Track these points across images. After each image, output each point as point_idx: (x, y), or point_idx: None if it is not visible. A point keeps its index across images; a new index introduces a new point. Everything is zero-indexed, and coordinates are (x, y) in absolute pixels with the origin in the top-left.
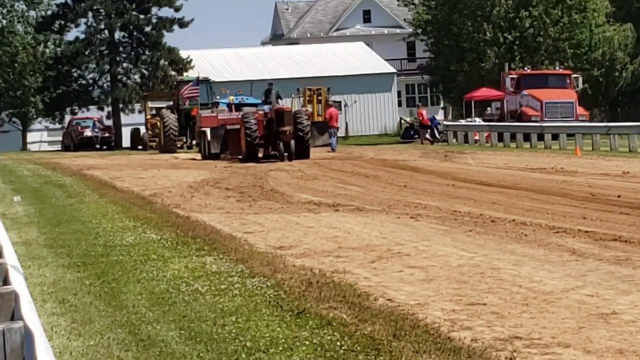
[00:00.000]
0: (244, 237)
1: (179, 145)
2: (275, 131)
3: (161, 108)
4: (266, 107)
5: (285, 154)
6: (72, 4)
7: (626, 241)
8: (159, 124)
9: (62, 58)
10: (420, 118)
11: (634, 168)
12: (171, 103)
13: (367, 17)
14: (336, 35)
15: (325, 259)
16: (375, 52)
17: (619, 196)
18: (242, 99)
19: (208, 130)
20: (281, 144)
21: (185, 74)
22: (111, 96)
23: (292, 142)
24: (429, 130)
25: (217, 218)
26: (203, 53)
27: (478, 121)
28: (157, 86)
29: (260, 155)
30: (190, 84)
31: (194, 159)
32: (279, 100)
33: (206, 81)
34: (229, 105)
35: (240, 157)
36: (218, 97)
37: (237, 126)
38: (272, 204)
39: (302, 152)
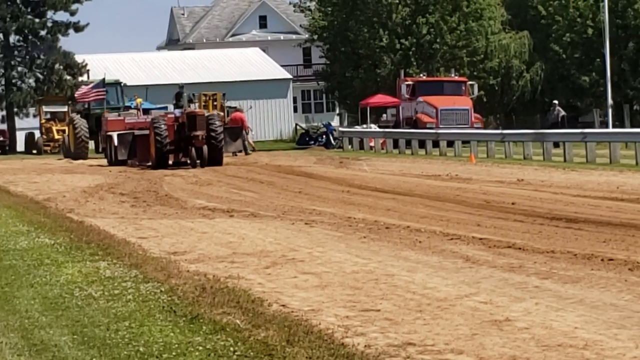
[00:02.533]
0: (138, 242)
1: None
2: (187, 136)
3: (56, 112)
4: (177, 111)
5: (198, 161)
6: None
7: (520, 248)
8: (53, 128)
9: None
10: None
11: (528, 175)
12: (65, 108)
13: (263, 23)
14: (232, 41)
15: (219, 265)
16: (271, 57)
17: (513, 203)
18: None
19: (115, 135)
20: (193, 149)
21: (87, 77)
22: (5, 100)
23: (205, 147)
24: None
25: (111, 223)
26: (98, 57)
27: (374, 128)
28: (52, 90)
29: (170, 162)
30: (91, 85)
31: (100, 166)
32: (191, 104)
33: (117, 84)
34: (135, 108)
35: (149, 164)
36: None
37: (146, 131)
38: (166, 209)
39: (215, 159)
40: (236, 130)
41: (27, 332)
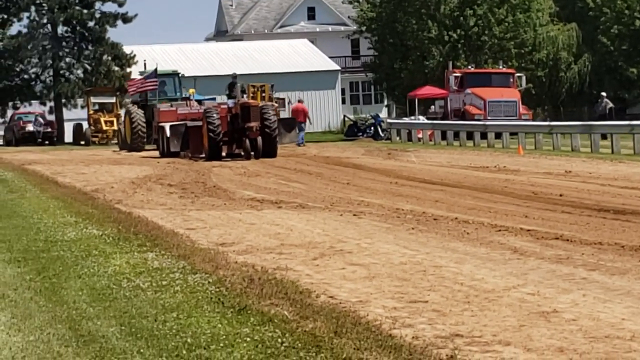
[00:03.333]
0: (186, 234)
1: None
2: (241, 127)
3: (104, 103)
4: (230, 102)
5: (252, 152)
6: None
7: (567, 240)
8: (101, 119)
9: (4, 52)
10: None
11: (575, 167)
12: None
13: (311, 14)
14: (280, 32)
15: (267, 256)
16: (320, 49)
17: (560, 195)
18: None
19: (167, 126)
20: (247, 141)
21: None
22: (54, 91)
23: (259, 139)
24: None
25: (159, 214)
26: (146, 49)
27: (421, 119)
28: (100, 81)
29: (223, 153)
30: (143, 76)
31: (149, 157)
32: (244, 95)
33: (175, 74)
34: (185, 99)
35: (202, 155)
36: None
37: (199, 122)
38: (214, 201)
39: (269, 150)
40: (290, 121)
41: (75, 323)
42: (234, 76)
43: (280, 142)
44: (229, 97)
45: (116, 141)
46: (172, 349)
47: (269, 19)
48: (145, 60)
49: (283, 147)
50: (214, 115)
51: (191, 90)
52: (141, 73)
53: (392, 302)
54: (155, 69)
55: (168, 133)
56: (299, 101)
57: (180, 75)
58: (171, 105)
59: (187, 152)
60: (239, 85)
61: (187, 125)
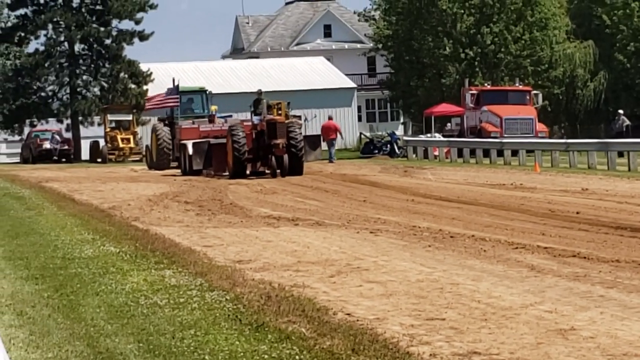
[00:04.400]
0: (203, 251)
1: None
2: (267, 145)
3: (121, 120)
4: (255, 119)
5: (278, 170)
6: (32, 16)
7: (585, 257)
8: (118, 137)
9: (22, 70)
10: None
11: (592, 185)
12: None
13: (327, 32)
14: (297, 50)
15: (284, 273)
16: (336, 66)
17: (577, 212)
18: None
19: (190, 144)
20: (273, 158)
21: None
22: (70, 108)
23: (285, 156)
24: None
25: (176, 231)
26: (163, 66)
27: (438, 137)
28: (117, 99)
29: (247, 171)
30: (164, 93)
31: (167, 176)
32: (270, 111)
33: (202, 92)
34: (210, 117)
35: (225, 173)
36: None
37: (222, 140)
38: (231, 218)
39: (295, 168)
40: (314, 139)
41: (93, 340)
42: (260, 92)
43: (305, 159)
44: (255, 113)
45: (134, 159)
46: None
47: (285, 37)
48: (174, 78)
49: (307, 165)
50: (239, 132)
51: (213, 107)
52: (170, 91)
53: (409, 320)
54: (177, 85)
55: (190, 151)
56: (329, 118)
57: (208, 92)
58: (193, 123)
59: (210, 170)
60: (264, 102)
61: (210, 143)
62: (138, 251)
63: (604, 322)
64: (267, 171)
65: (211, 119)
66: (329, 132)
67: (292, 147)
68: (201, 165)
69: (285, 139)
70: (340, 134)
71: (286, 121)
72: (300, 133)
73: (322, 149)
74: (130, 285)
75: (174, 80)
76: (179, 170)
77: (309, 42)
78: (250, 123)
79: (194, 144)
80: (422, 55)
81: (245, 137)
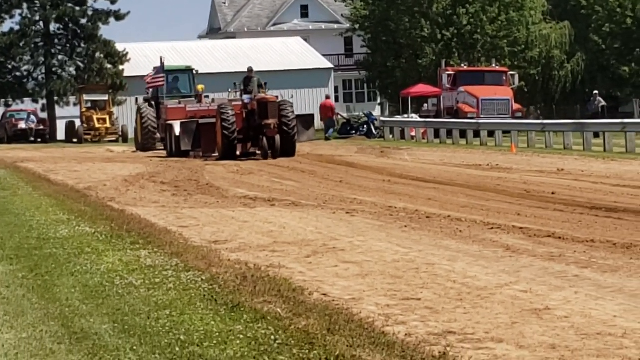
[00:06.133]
0: (179, 231)
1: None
2: (258, 125)
3: (97, 101)
4: (246, 97)
5: (269, 151)
6: None
7: (560, 238)
8: (94, 117)
9: None
10: None
11: (568, 165)
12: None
13: (304, 12)
14: (273, 30)
15: (260, 254)
16: (313, 47)
17: (553, 193)
18: None
19: (177, 124)
20: (264, 139)
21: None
22: (46, 88)
23: (277, 137)
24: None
25: (152, 212)
26: (139, 46)
27: (415, 117)
28: (93, 79)
29: (237, 152)
30: (152, 72)
31: (156, 157)
32: (265, 89)
33: (189, 71)
34: (197, 96)
35: (215, 154)
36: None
37: (212, 119)
38: (207, 198)
39: (287, 149)
40: (308, 118)
41: (68, 320)
42: (250, 70)
43: (298, 140)
44: (245, 92)
45: (110, 139)
46: (165, 346)
47: (262, 17)
48: (161, 57)
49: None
50: (229, 111)
51: (200, 87)
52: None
53: (385, 300)
54: (162, 64)
55: (177, 131)
56: (327, 97)
57: (195, 71)
58: (179, 102)
59: (198, 151)
60: (255, 80)
61: (198, 123)
62: (114, 231)
63: (579, 301)
64: (258, 152)
65: (198, 99)
66: (327, 111)
67: (284, 127)
68: (189, 146)
69: (277, 119)
70: (337, 114)
71: (278, 100)
72: (293, 112)
73: (315, 128)
74: (106, 266)
75: (161, 59)
76: (165, 152)
77: (286, 22)
78: (240, 102)
79: (181, 123)
80: (399, 36)
81: (235, 116)
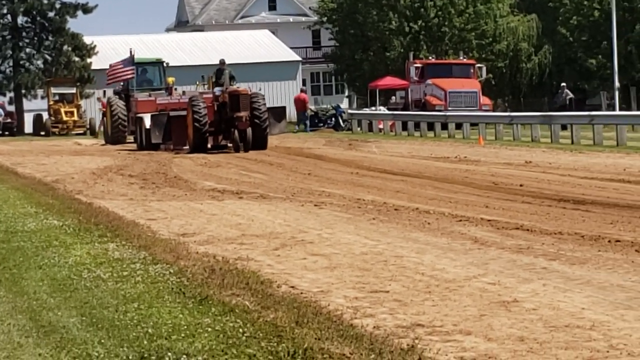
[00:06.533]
0: (147, 224)
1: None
2: (229, 117)
3: (64, 94)
4: (217, 90)
5: (241, 144)
6: None
7: (528, 230)
8: (61, 110)
9: None
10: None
11: (536, 157)
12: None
13: (272, 5)
14: (241, 23)
15: (228, 246)
16: (281, 40)
17: (521, 185)
18: None
19: (147, 117)
20: (236, 132)
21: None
22: (13, 81)
23: (249, 130)
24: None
25: (120, 205)
26: (107, 39)
27: (382, 110)
28: (60, 72)
29: (209, 145)
30: (119, 63)
31: (127, 150)
32: (233, 82)
33: (159, 63)
34: (168, 89)
35: (186, 147)
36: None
37: (182, 112)
38: (175, 191)
39: (259, 142)
40: (280, 110)
41: (35, 313)
42: (222, 62)
43: (270, 132)
44: (216, 84)
45: (77, 132)
46: (133, 339)
47: (229, 10)
48: (131, 49)
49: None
50: (200, 104)
51: (170, 79)
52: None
53: (353, 292)
54: (132, 56)
55: (147, 124)
56: (302, 91)
57: (165, 64)
58: (149, 95)
59: (169, 144)
60: (227, 72)
61: (169, 115)
62: (81, 224)
63: (547, 293)
64: (229, 145)
65: (169, 91)
66: (301, 104)
67: (256, 120)
68: (160, 139)
69: (248, 112)
70: (308, 108)
71: (250, 92)
72: (264, 105)
73: (287, 121)
74: (74, 259)
75: (131, 51)
76: (135, 145)
77: (254, 15)
78: (211, 95)
79: (152, 116)
80: (367, 29)
81: (206, 109)
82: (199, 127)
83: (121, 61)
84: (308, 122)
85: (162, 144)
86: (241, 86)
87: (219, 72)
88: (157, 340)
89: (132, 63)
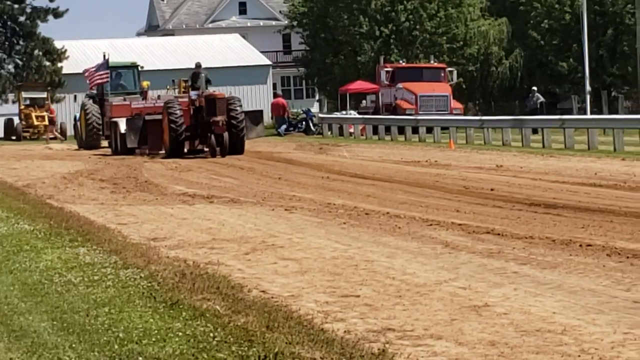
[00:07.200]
0: (118, 229)
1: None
2: (206, 122)
3: (35, 98)
4: (193, 93)
5: (218, 149)
6: None
7: (499, 234)
8: (32, 114)
9: None
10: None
11: (507, 161)
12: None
13: (242, 9)
14: (212, 27)
15: (199, 251)
16: (251, 44)
17: (492, 189)
18: None
19: (122, 122)
20: (212, 137)
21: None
22: None
23: (226, 134)
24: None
25: (91, 209)
26: (78, 43)
27: (353, 114)
28: (31, 76)
29: (185, 150)
30: (94, 67)
31: (89, 155)
32: (209, 86)
33: (134, 67)
34: (143, 93)
35: (161, 152)
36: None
37: (158, 116)
38: (146, 196)
39: (236, 147)
40: (257, 114)
41: (7, 318)
42: (198, 65)
43: (247, 136)
44: (192, 88)
45: (47, 136)
46: (104, 344)
47: (200, 14)
48: (104, 53)
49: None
50: (176, 108)
51: (145, 83)
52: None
53: (323, 297)
54: (107, 60)
55: (123, 128)
56: (279, 95)
57: (140, 67)
58: (124, 99)
59: (144, 148)
60: (203, 76)
61: (145, 120)
62: (52, 229)
63: (518, 298)
64: (205, 149)
65: (144, 95)
66: (279, 109)
67: (232, 124)
68: (135, 144)
69: (225, 116)
70: (287, 112)
71: (226, 96)
72: (241, 109)
73: (264, 125)
74: (45, 263)
75: (104, 55)
76: (110, 150)
77: (224, 19)
78: (186, 99)
79: (127, 120)
80: (338, 33)
81: (182, 113)
82: (175, 131)
83: (95, 65)
84: (284, 127)
85: (138, 149)
86: (212, 90)
87: (194, 76)
88: (128, 345)
89: (107, 67)
